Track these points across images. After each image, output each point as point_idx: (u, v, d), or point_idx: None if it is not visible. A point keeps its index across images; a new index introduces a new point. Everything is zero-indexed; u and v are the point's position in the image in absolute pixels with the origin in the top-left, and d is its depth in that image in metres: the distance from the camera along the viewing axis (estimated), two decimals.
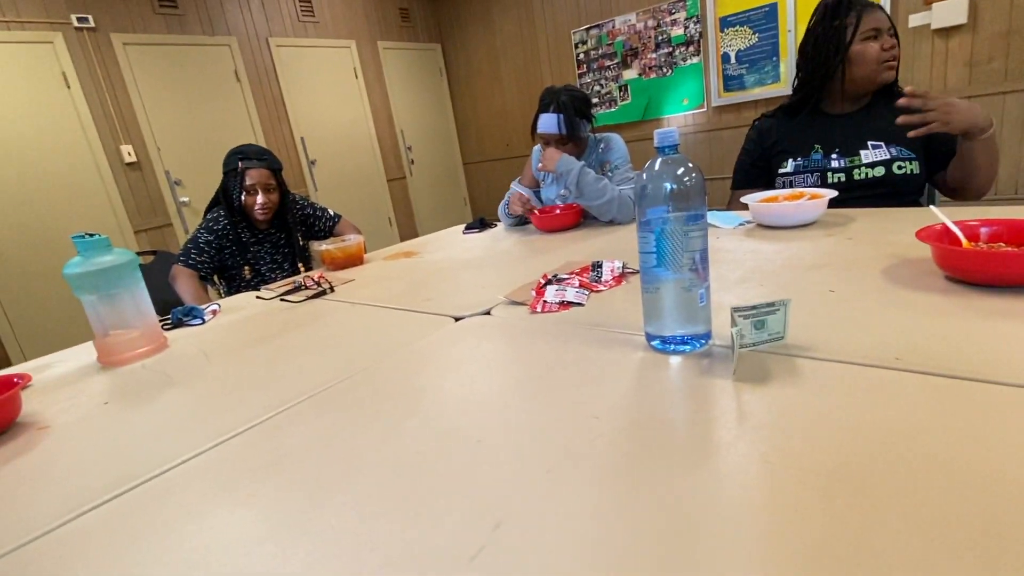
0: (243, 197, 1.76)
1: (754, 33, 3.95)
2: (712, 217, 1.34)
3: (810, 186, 1.38)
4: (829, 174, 1.36)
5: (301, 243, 1.96)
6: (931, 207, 0.87)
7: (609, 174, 1.67)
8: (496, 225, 1.93)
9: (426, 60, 5.92)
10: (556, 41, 5.06)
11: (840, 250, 0.99)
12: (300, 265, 1.95)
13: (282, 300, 1.32)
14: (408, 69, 5.72)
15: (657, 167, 0.65)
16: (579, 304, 0.92)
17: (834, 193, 1.17)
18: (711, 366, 0.64)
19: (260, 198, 1.77)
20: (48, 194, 3.46)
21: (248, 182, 1.75)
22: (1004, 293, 0.71)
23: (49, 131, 3.45)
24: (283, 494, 0.51)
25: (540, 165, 1.64)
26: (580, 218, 1.66)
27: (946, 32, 3.31)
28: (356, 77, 5.21)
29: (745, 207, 1.29)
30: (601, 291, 0.98)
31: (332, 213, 2.05)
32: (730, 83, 4.16)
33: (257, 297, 1.40)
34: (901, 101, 1.14)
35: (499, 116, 5.82)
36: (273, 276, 1.89)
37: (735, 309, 0.63)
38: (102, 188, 3.68)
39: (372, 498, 0.48)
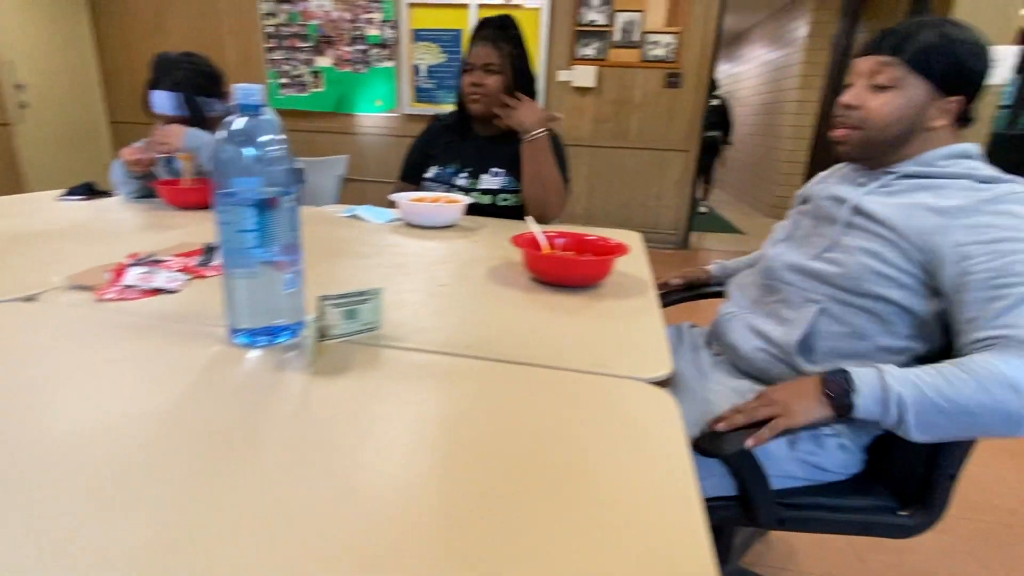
0: None
1: (443, 52, 4.23)
2: (364, 212, 1.32)
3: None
4: (452, 190, 1.46)
5: None
6: (527, 218, 1.01)
7: None
8: (114, 195, 1.53)
9: None
10: (239, 5, 4.49)
11: (464, 250, 1.07)
12: None
13: None
14: None
15: (239, 129, 0.56)
16: (171, 291, 0.76)
17: (470, 199, 1.28)
18: (295, 359, 0.58)
19: None
20: None
21: None
22: (570, 292, 0.84)
23: None
24: None
25: (160, 144, 1.35)
26: None
27: (582, 91, 4.14)
28: None
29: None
30: (208, 277, 0.83)
31: None
32: (420, 94, 4.35)
33: None
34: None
35: None
36: None
37: (323, 298, 0.59)
38: None
39: None
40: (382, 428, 0.46)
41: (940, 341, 0.82)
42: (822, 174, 1.02)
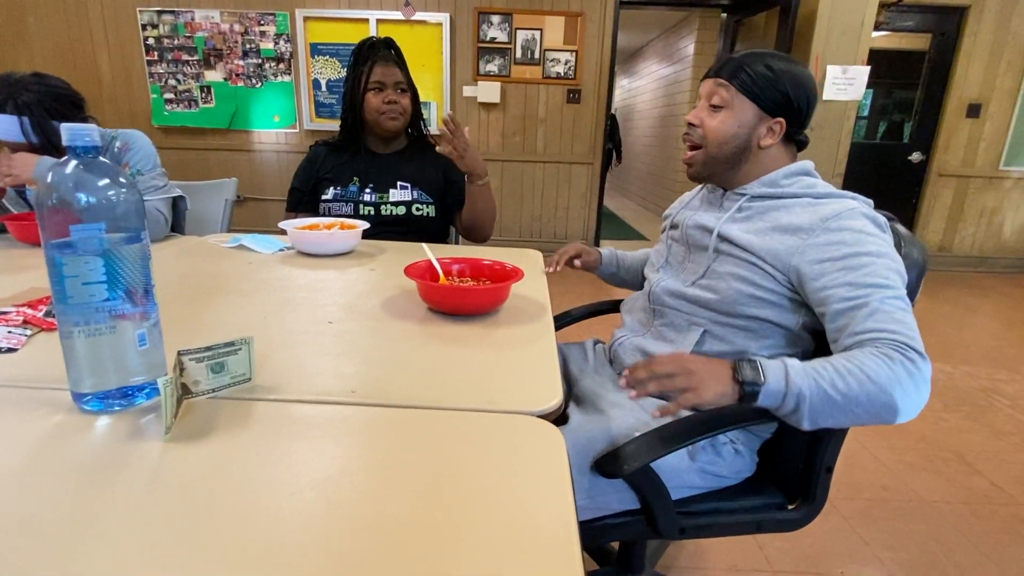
0: None
1: (343, 67, 4.12)
2: (251, 241, 1.24)
3: (345, 215, 1.43)
4: (361, 206, 1.45)
5: None
6: (423, 244, 0.99)
7: None
8: None
9: None
10: (115, 13, 4.14)
11: (359, 280, 1.03)
12: None
13: None
14: None
15: (70, 172, 0.50)
16: (8, 350, 0.67)
17: (367, 225, 1.24)
18: (151, 424, 0.52)
19: None
20: None
21: None
22: (466, 321, 0.83)
23: None
24: None
25: (6, 176, 1.19)
26: None
27: (488, 107, 4.18)
28: None
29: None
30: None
31: None
32: (321, 109, 4.21)
33: None
34: (443, 120, 1.26)
35: None
36: None
37: (182, 352, 0.54)
38: None
39: None
40: (250, 495, 0.42)
41: (810, 347, 0.89)
42: (686, 197, 1.08)
